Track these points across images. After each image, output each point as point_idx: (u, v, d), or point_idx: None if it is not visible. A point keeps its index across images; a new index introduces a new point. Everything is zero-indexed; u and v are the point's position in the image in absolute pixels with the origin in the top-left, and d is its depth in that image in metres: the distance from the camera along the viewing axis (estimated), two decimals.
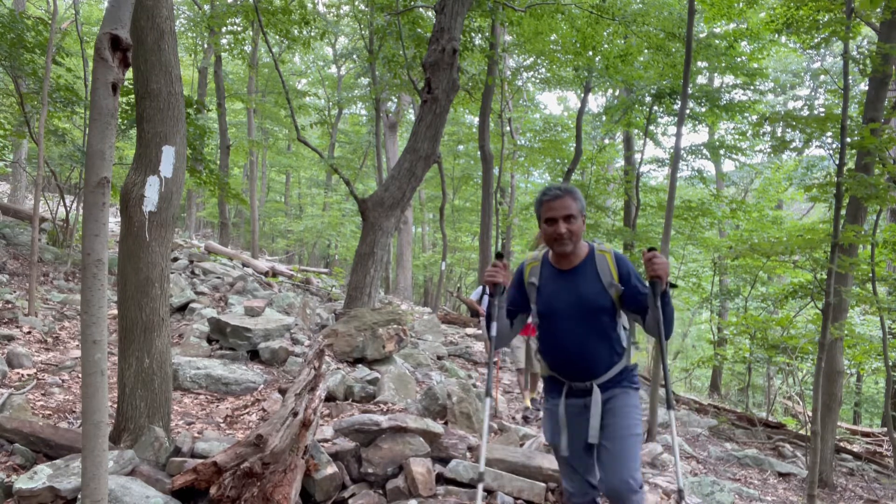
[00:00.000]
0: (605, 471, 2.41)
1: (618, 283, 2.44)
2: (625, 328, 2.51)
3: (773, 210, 14.69)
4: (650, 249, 2.41)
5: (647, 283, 2.43)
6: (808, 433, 6.59)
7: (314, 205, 26.38)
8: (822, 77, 16.48)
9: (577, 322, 2.44)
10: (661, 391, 7.81)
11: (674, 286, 2.38)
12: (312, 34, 10.86)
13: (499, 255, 2.60)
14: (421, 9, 10.18)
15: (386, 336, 5.78)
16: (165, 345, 3.50)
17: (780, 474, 6.31)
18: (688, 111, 11.18)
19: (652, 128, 13.59)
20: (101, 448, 1.95)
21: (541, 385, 5.84)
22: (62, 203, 9.58)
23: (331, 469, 3.32)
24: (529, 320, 2.65)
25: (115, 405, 3.49)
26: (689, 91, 8.67)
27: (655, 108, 12.40)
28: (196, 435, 3.70)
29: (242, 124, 21.78)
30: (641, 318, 2.47)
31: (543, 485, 3.57)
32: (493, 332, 2.53)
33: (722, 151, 13.76)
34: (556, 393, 2.56)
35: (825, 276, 6.23)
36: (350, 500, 3.34)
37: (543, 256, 2.61)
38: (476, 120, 15.94)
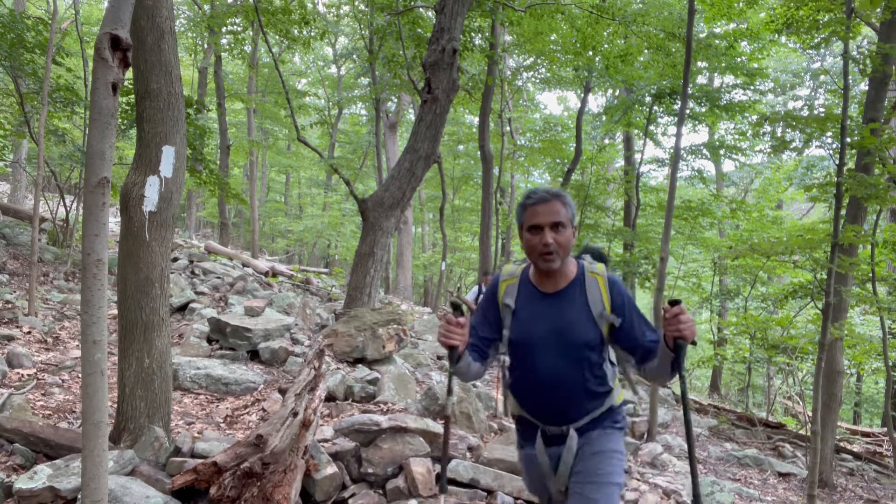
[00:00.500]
0: None
1: (610, 313, 2.04)
2: (612, 363, 2.14)
3: (773, 210, 14.69)
4: (674, 303, 1.91)
5: (646, 319, 2.09)
6: (808, 433, 6.59)
7: (314, 205, 26.37)
8: (822, 77, 16.49)
9: (557, 356, 2.04)
10: (661, 391, 7.83)
11: (693, 343, 1.96)
12: (312, 34, 10.85)
13: (456, 308, 2.08)
14: (421, 9, 10.18)
15: (386, 336, 5.78)
16: (165, 345, 3.50)
17: (780, 474, 6.31)
18: (688, 111, 11.18)
19: (652, 128, 13.59)
20: (101, 448, 1.95)
21: None
22: (62, 203, 9.59)
23: (331, 469, 3.32)
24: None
25: (115, 405, 3.49)
26: (689, 91, 8.67)
27: (655, 108, 12.41)
28: (196, 435, 3.70)
29: (242, 124, 21.77)
30: (636, 360, 2.08)
31: None
32: (450, 405, 2.11)
33: (722, 151, 13.76)
34: (531, 439, 2.18)
35: (825, 276, 6.23)
36: (350, 500, 3.35)
37: (523, 273, 2.18)
38: (476, 120, 15.94)
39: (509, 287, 2.17)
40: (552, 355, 2.05)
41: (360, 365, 5.59)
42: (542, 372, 2.06)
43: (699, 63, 12.06)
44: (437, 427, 3.83)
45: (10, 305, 6.26)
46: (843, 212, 6.13)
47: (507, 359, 2.17)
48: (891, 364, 7.17)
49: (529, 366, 2.09)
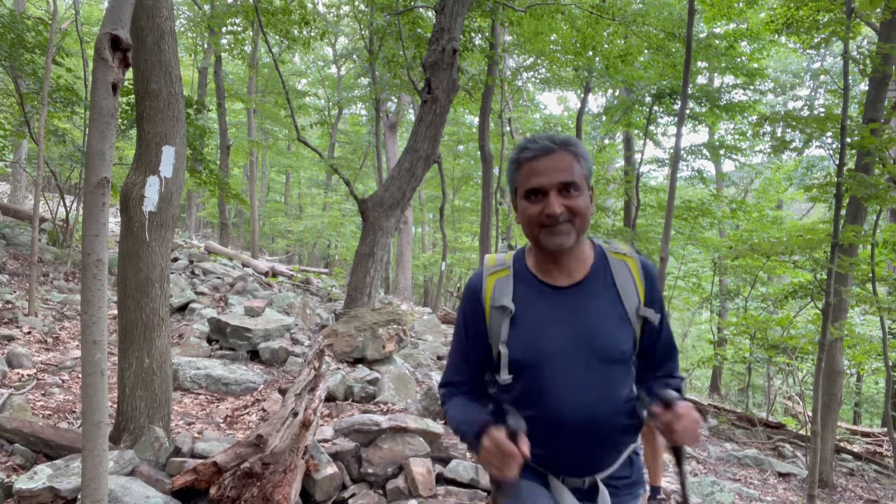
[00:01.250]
0: None
1: (645, 307, 1.48)
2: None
3: (773, 210, 14.70)
4: (666, 402, 1.35)
5: (672, 337, 1.58)
6: (808, 433, 6.59)
7: (314, 205, 26.38)
8: (822, 77, 16.49)
9: (584, 376, 1.42)
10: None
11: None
12: (312, 34, 10.86)
13: (512, 433, 1.29)
14: (421, 9, 10.18)
15: (386, 336, 5.78)
16: (165, 345, 3.50)
17: (780, 474, 6.31)
18: (688, 111, 11.19)
19: (652, 128, 13.60)
20: (101, 448, 1.95)
21: None
22: (62, 203, 9.59)
23: (331, 469, 3.32)
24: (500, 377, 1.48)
25: (115, 405, 3.49)
26: (689, 91, 8.67)
27: (655, 108, 12.41)
28: (196, 435, 3.70)
29: (242, 124, 21.77)
30: (641, 383, 1.55)
31: None
32: None
33: (722, 151, 13.78)
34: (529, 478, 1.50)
35: (825, 276, 6.23)
36: (350, 500, 3.35)
37: (516, 261, 1.55)
38: (476, 120, 15.94)
39: (500, 283, 1.51)
40: (576, 376, 1.43)
41: (360, 365, 5.59)
42: (564, 402, 1.42)
43: (699, 63, 12.07)
44: (437, 427, 3.83)
45: (10, 305, 6.26)
46: (843, 212, 6.13)
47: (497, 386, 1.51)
48: (891, 364, 7.16)
49: (542, 395, 1.44)
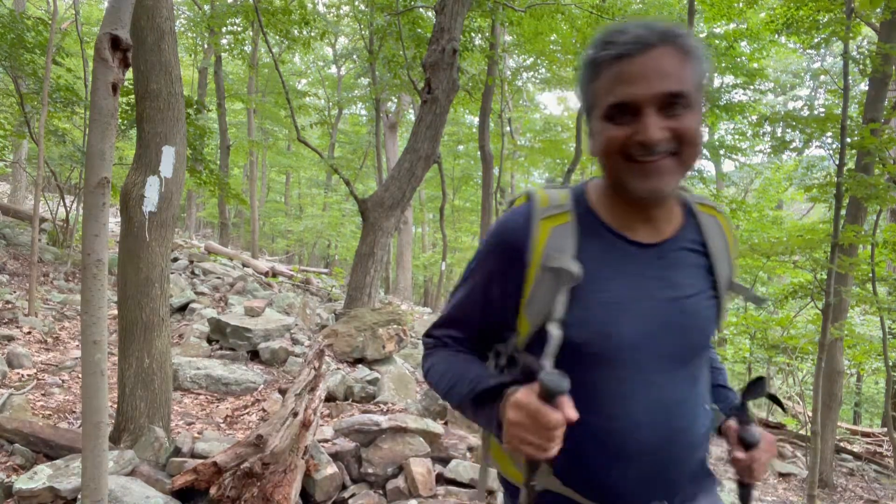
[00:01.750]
0: None
1: (736, 283, 1.17)
2: None
3: (773, 210, 14.70)
4: (748, 444, 1.06)
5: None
6: (808, 433, 6.59)
7: (314, 205, 26.37)
8: (822, 77, 16.49)
9: (671, 374, 1.04)
10: None
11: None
12: (312, 34, 10.86)
13: (550, 395, 0.88)
14: (421, 9, 10.18)
15: (386, 336, 5.78)
16: (165, 345, 3.50)
17: (780, 474, 6.31)
18: None
19: None
20: (101, 448, 1.95)
21: None
22: (62, 203, 9.59)
23: (331, 469, 3.32)
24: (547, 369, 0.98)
25: (115, 405, 3.49)
26: None
27: None
28: (196, 435, 3.70)
29: (242, 124, 21.78)
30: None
31: None
32: None
33: (722, 151, 13.79)
34: None
35: (825, 276, 6.23)
36: (350, 501, 3.35)
37: (578, 201, 1.08)
38: (476, 120, 15.95)
39: (557, 233, 1.03)
40: (659, 373, 1.03)
41: (360, 365, 5.59)
42: (641, 410, 1.01)
43: None
44: (437, 427, 3.83)
45: (10, 305, 6.26)
46: (843, 212, 6.13)
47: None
48: (891, 364, 7.16)
49: (610, 399, 1.02)
